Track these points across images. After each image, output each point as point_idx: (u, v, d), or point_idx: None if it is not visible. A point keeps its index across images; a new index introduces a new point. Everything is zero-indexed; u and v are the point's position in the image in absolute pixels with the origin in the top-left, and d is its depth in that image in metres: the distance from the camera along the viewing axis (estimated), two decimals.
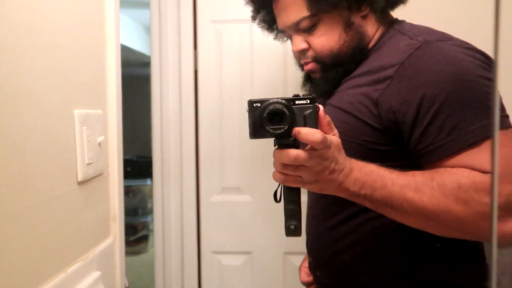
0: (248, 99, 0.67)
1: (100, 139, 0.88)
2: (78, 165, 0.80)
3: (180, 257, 1.60)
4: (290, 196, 0.71)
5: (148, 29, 3.29)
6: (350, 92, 0.87)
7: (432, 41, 0.79)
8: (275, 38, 1.06)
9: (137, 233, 4.17)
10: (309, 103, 0.66)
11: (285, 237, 1.52)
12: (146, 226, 4.23)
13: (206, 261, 1.57)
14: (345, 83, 0.91)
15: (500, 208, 0.66)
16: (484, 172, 0.69)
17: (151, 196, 4.43)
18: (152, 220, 4.27)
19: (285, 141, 0.65)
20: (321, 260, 0.97)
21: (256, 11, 1.02)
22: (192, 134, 1.56)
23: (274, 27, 1.01)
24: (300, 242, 1.34)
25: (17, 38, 0.63)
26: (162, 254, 1.62)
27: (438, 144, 0.73)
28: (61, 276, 0.73)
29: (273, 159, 0.69)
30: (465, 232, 0.72)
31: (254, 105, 0.65)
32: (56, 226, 0.73)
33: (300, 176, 0.68)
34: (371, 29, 0.90)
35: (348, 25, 0.88)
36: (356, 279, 0.91)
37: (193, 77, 1.55)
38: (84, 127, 0.82)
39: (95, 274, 0.84)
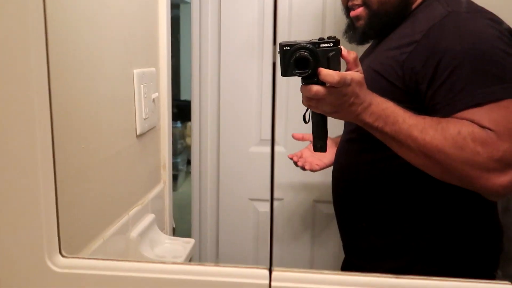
0: (279, 42, 0.76)
1: (154, 95, 0.95)
2: (137, 120, 0.88)
3: (215, 201, 1.71)
4: (317, 121, 0.84)
5: None
6: (382, 54, 0.95)
7: (460, 12, 0.85)
8: None
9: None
10: (333, 46, 0.76)
11: (315, 186, 1.61)
12: (175, 166, 4.40)
13: (243, 207, 1.69)
14: (381, 43, 0.98)
15: (496, 161, 0.76)
16: (482, 126, 0.77)
17: (180, 138, 4.56)
18: (181, 160, 4.41)
19: (310, 80, 0.76)
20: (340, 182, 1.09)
21: None
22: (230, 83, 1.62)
23: None
24: (328, 191, 1.43)
25: (90, 12, 0.69)
26: (198, 195, 1.73)
27: (446, 102, 0.81)
28: (125, 218, 0.83)
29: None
30: (454, 175, 0.80)
31: (284, 48, 0.76)
32: (119, 176, 0.82)
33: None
34: None
35: None
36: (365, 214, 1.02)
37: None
38: (142, 85, 0.89)
39: (150, 217, 0.94)
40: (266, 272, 0.41)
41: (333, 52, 0.75)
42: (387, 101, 0.81)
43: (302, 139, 1.30)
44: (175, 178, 4.34)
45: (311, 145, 1.30)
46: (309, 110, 0.84)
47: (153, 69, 0.96)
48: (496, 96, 0.79)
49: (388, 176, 0.98)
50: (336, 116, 0.81)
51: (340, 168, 1.10)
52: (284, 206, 1.66)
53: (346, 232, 1.13)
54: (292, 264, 1.68)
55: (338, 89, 0.75)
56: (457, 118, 0.80)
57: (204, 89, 1.65)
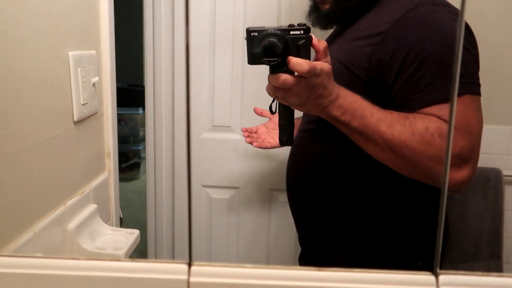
0: (246, 28, 0.72)
1: (94, 79, 0.90)
2: (74, 105, 0.83)
3: (170, 187, 1.68)
4: (283, 113, 0.80)
5: None
6: (348, 44, 0.93)
7: (426, 3, 0.84)
8: None
9: (128, 161, 4.26)
10: (303, 34, 0.72)
11: (272, 174, 1.60)
12: (137, 154, 4.32)
13: (195, 193, 1.66)
14: (346, 32, 0.95)
15: (454, 156, 0.76)
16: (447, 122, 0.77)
17: (142, 125, 4.49)
18: (144, 148, 4.36)
19: (278, 69, 0.72)
20: (295, 177, 1.06)
21: None
22: (183, 68, 1.57)
23: None
24: (285, 179, 1.42)
25: None
26: (153, 182, 1.69)
27: (413, 97, 0.80)
28: (61, 209, 0.79)
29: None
30: (419, 171, 0.80)
31: (252, 34, 0.72)
32: (53, 164, 0.77)
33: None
34: None
35: None
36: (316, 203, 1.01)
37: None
38: (79, 69, 0.84)
39: (92, 207, 0.90)
40: (185, 267, 0.38)
41: (304, 40, 0.71)
42: (354, 94, 0.79)
43: (261, 114, 1.28)
44: (137, 165, 4.26)
45: (269, 122, 1.29)
46: (275, 100, 0.81)
47: (93, 51, 0.91)
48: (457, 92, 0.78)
49: (342, 167, 0.97)
50: (303, 108, 0.78)
51: (295, 159, 1.08)
52: (240, 194, 1.65)
53: (301, 224, 1.12)
54: (249, 253, 1.67)
55: (307, 79, 0.72)
56: (424, 113, 0.79)
57: (158, 76, 1.60)
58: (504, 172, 1.56)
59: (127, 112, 4.32)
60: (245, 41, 0.74)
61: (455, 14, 0.83)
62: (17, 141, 0.66)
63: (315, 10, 1.01)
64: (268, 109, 0.90)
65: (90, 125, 0.91)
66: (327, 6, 0.96)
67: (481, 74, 0.86)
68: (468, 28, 0.84)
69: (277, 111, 0.83)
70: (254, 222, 1.66)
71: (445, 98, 0.78)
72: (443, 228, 1.05)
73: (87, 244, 0.83)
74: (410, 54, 0.80)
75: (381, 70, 0.84)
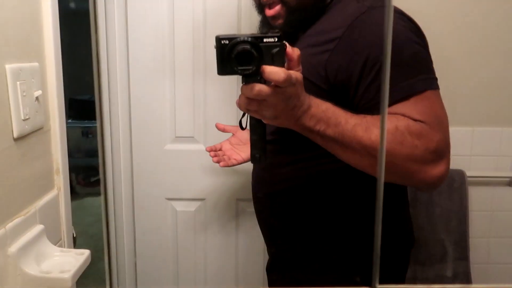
0: (215, 35, 0.67)
1: (37, 93, 0.85)
2: (13, 121, 0.78)
3: (131, 204, 1.62)
4: (255, 127, 0.74)
5: None
6: (302, 52, 0.90)
7: (377, 7, 0.83)
8: None
9: (98, 175, 4.15)
10: (277, 41, 0.67)
11: (237, 184, 1.57)
12: None
13: (159, 207, 1.61)
14: (300, 40, 0.94)
15: (432, 152, 0.75)
16: (414, 120, 0.76)
17: None
18: None
19: (252, 79, 0.67)
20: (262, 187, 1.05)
21: None
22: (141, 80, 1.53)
23: None
24: (250, 189, 1.39)
25: None
26: (113, 197, 1.63)
27: (377, 100, 0.79)
28: (0, 232, 0.74)
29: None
30: (396, 172, 0.77)
31: (222, 42, 0.66)
32: None
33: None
34: None
35: None
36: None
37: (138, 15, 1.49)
38: (18, 82, 0.79)
39: (38, 228, 0.85)
40: None
41: (277, 48, 0.66)
42: (325, 102, 0.76)
43: (223, 130, 1.25)
44: None
45: (233, 137, 1.26)
46: (246, 115, 0.75)
47: (35, 64, 0.86)
48: (417, 89, 0.77)
49: (305, 178, 0.95)
50: (276, 122, 0.73)
51: (258, 170, 1.06)
52: (207, 206, 1.61)
53: (265, 234, 1.10)
54: (218, 263, 1.63)
55: (282, 89, 0.67)
56: (390, 113, 0.77)
57: (114, 86, 1.54)
58: (468, 173, 1.57)
59: (95, 124, 4.23)
60: (214, 50, 0.67)
61: (399, 13, 0.83)
62: None
63: (266, 25, 0.99)
64: (237, 122, 0.86)
65: (34, 141, 0.87)
66: (280, 21, 0.94)
67: (441, 75, 0.86)
68: (414, 24, 0.84)
69: (247, 126, 0.77)
70: (221, 233, 1.62)
71: (404, 97, 0.77)
72: (408, 235, 1.04)
73: (31, 268, 0.78)
74: (369, 58, 0.79)
75: (340, 76, 0.82)
